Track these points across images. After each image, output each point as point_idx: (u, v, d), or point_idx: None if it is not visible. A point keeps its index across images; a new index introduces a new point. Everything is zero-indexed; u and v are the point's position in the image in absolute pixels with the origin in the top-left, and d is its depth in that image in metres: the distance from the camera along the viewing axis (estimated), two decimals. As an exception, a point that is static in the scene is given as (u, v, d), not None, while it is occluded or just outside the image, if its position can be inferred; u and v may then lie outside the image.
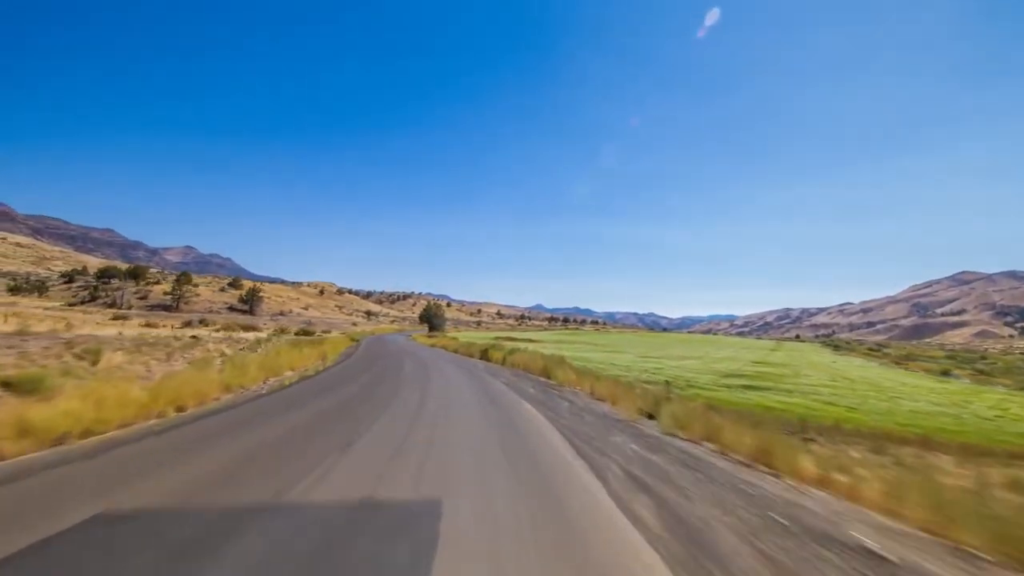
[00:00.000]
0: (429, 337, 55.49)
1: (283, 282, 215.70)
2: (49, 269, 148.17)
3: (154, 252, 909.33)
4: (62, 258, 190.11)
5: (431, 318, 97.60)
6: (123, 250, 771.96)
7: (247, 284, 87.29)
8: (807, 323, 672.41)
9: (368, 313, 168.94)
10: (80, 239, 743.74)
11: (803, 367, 50.75)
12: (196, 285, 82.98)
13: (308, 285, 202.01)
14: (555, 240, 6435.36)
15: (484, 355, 27.15)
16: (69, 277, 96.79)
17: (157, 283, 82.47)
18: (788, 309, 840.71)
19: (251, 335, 28.88)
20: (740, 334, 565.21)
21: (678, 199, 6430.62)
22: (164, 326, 39.34)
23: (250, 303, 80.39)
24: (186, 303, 73.17)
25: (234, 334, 29.20)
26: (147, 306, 72.54)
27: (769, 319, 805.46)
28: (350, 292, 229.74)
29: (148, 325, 38.72)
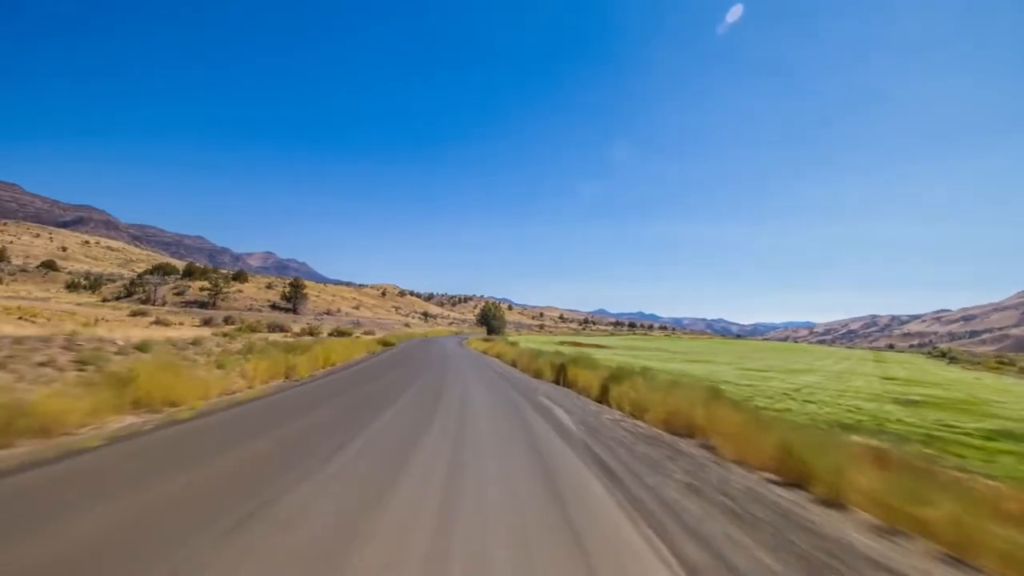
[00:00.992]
0: (485, 341, 47.80)
1: (350, 284, 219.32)
2: (132, 271, 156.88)
3: (238, 257, 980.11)
4: (147, 261, 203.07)
5: (489, 320, 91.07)
6: (211, 255, 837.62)
7: (299, 283, 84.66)
8: (898, 332, 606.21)
9: (425, 314, 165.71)
10: (174, 245, 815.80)
11: (962, 385, 38.31)
12: (240, 282, 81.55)
13: (371, 287, 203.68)
14: (619, 243, 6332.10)
15: (561, 377, 15.82)
16: (139, 277, 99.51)
17: (205, 279, 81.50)
18: (875, 316, 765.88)
19: (189, 333, 22.13)
20: (821, 342, 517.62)
21: (749, 199, 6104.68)
22: (179, 324, 34.49)
23: (293, 301, 77.15)
24: (223, 300, 70.77)
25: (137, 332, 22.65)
26: (183, 302, 70.97)
27: (853, 327, 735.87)
28: (412, 294, 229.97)
29: (158, 323, 33.99)
